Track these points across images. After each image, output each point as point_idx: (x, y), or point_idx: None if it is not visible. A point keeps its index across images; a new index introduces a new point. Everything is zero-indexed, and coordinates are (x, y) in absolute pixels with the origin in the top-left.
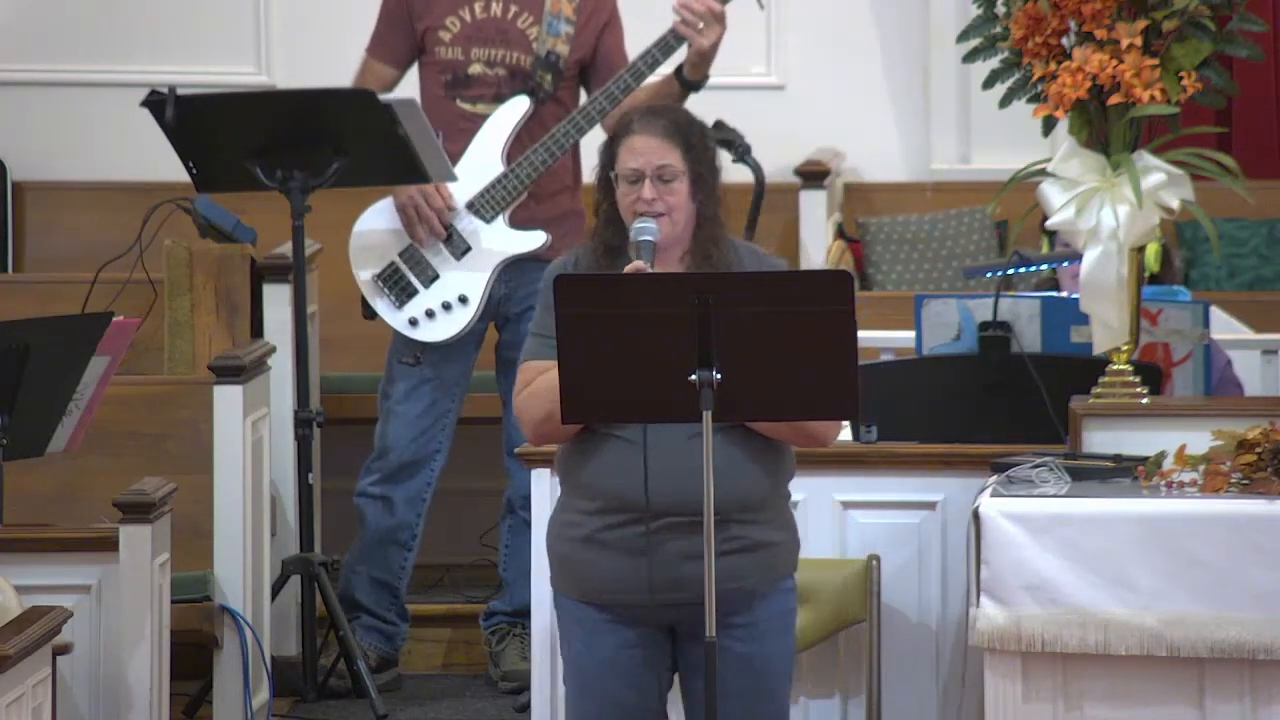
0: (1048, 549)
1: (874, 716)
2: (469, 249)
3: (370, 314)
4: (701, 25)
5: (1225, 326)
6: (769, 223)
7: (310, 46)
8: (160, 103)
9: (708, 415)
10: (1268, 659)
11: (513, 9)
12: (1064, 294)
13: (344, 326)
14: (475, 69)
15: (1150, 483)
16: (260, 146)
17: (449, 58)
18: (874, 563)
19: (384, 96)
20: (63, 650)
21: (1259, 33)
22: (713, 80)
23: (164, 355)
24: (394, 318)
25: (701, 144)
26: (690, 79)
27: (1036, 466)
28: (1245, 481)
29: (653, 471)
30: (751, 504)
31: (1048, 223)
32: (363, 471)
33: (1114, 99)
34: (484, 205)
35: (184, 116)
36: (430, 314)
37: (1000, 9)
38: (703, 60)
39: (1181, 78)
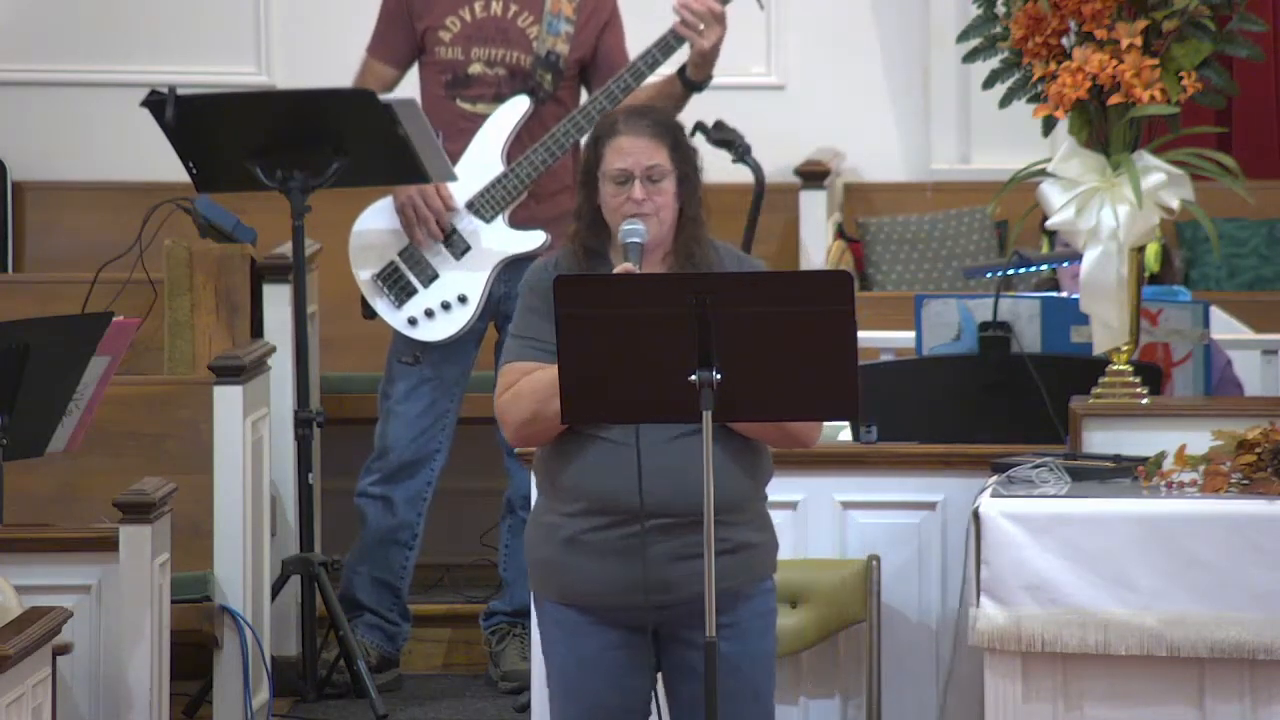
0: (1048, 549)
1: (874, 716)
2: (468, 248)
3: (370, 313)
4: (702, 26)
5: (1225, 326)
6: (769, 223)
7: (310, 46)
8: (160, 103)
9: (708, 415)
10: (1268, 659)
11: (513, 8)
12: (1064, 294)
13: (344, 326)
14: (475, 69)
15: (1150, 483)
16: (260, 146)
17: (449, 57)
18: (874, 563)
19: (384, 96)
20: (63, 650)
21: (1259, 33)
22: (713, 80)
23: (164, 355)
24: (393, 317)
25: (686, 144)
26: (693, 79)
27: (1036, 467)
28: (1245, 481)
29: (642, 473)
30: (733, 505)
31: (1048, 223)
32: (363, 471)
33: (1114, 99)
34: (484, 205)
35: (184, 116)
36: (429, 313)
37: (1000, 9)
38: (704, 61)
39: (1181, 78)
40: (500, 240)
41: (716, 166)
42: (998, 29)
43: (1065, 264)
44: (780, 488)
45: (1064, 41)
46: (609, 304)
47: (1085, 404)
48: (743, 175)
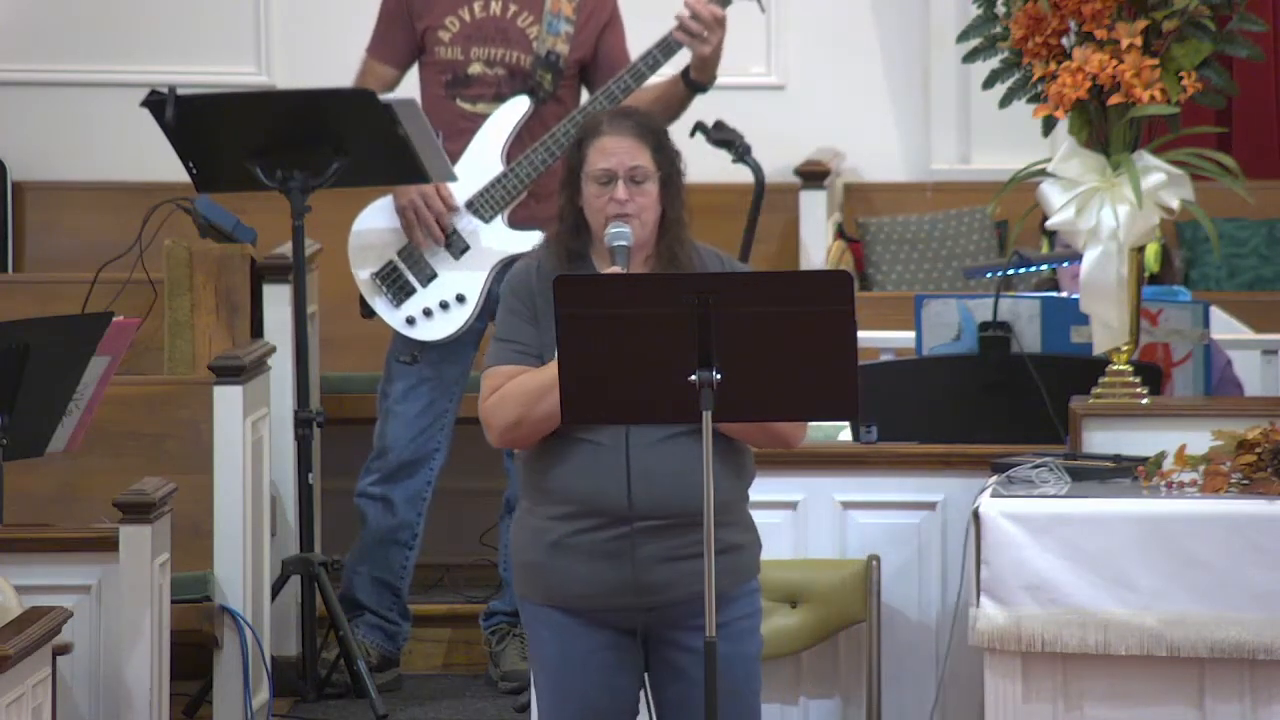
0: (1048, 549)
1: (874, 716)
2: (467, 248)
3: (368, 313)
4: (705, 33)
5: (1225, 326)
6: (769, 223)
7: (310, 46)
8: (160, 103)
9: (708, 416)
10: (1268, 659)
11: (512, 8)
12: (1064, 294)
13: (344, 326)
14: (475, 68)
15: (1150, 483)
16: (260, 146)
17: (449, 57)
18: (874, 563)
19: (384, 96)
20: (63, 650)
21: (1259, 33)
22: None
23: (164, 355)
24: (392, 316)
25: (669, 146)
26: (696, 80)
27: (1036, 467)
28: (1245, 481)
29: (630, 475)
30: (721, 506)
31: (1048, 223)
32: (362, 471)
33: (1114, 99)
34: (483, 205)
35: (184, 116)
36: (428, 313)
37: (1000, 9)
38: (705, 65)
39: (1181, 78)
40: (499, 240)
41: (716, 166)
42: (998, 29)
43: (1065, 264)
44: (780, 488)
45: (1064, 41)
46: (609, 304)
47: (1085, 404)
48: (743, 175)
